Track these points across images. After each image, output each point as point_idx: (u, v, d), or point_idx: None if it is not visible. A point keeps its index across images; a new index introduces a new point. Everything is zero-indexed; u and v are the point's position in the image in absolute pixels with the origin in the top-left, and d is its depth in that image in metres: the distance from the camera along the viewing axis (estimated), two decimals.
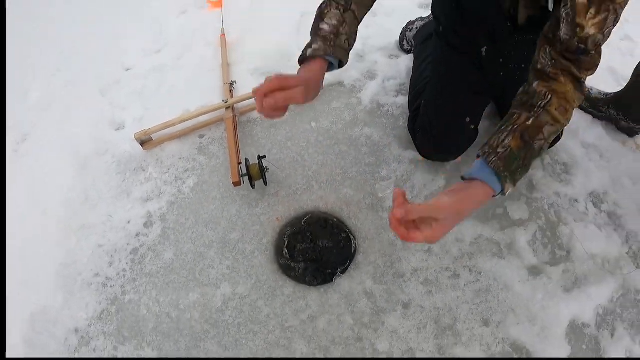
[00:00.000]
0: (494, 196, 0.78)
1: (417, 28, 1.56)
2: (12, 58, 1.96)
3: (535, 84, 0.85)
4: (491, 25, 1.09)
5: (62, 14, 2.17)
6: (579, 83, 0.85)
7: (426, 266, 1.16)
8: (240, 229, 1.25)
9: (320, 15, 0.93)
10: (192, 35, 1.82)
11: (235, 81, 1.51)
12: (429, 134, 1.22)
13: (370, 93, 1.50)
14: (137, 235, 1.27)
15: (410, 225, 0.69)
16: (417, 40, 1.50)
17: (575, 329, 1.14)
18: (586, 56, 0.82)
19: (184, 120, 1.38)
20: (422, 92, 1.25)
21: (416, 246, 1.18)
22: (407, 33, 1.58)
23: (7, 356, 1.20)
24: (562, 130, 0.89)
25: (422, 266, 1.17)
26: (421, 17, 1.59)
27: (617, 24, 0.80)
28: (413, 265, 1.16)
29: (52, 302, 1.22)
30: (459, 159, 1.31)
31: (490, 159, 0.76)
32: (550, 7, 0.91)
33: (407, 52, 1.61)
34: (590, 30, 0.78)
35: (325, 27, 0.91)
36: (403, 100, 1.47)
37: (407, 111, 1.40)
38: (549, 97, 0.82)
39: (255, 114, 1.44)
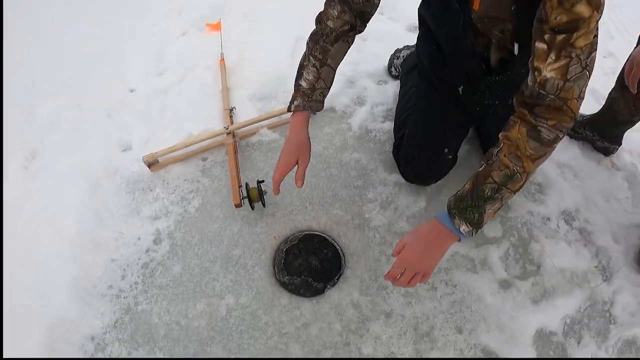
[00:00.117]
0: (460, 238, 1.01)
1: (403, 56, 1.79)
2: (18, 77, 2.17)
3: (499, 134, 1.00)
4: (467, 67, 1.30)
5: (65, 33, 2.38)
6: (535, 130, 0.93)
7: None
8: (242, 246, 1.47)
9: (301, 68, 1.21)
10: (192, 58, 2.04)
11: (234, 107, 1.74)
12: (412, 164, 1.46)
13: (359, 119, 1.74)
14: (147, 250, 1.49)
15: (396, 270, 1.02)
16: (403, 68, 1.73)
17: (542, 337, 1.36)
18: (545, 101, 0.91)
19: (188, 145, 1.60)
20: (406, 122, 1.48)
21: None
22: (395, 60, 1.82)
23: (5, 356, 1.38)
24: (525, 175, 0.97)
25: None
26: (407, 46, 1.82)
27: (589, 73, 0.89)
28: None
29: (69, 312, 1.40)
30: (440, 181, 1.55)
31: (449, 199, 1.00)
32: (516, 51, 1.13)
33: (395, 77, 1.84)
34: (549, 74, 0.89)
35: (303, 83, 1.19)
36: (389, 125, 1.70)
37: (393, 137, 1.62)
38: (501, 144, 0.97)
39: (254, 139, 1.68)
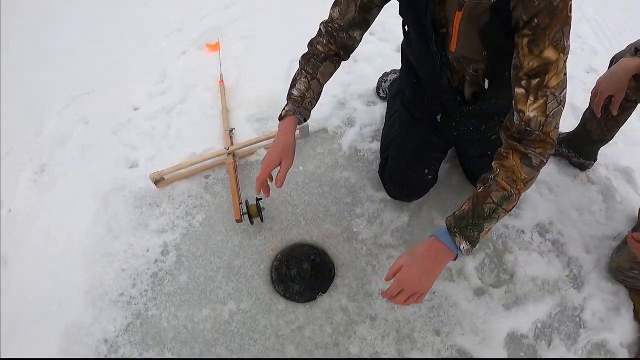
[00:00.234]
0: (457, 255, 1.13)
1: (390, 80, 2.05)
2: (24, 93, 2.42)
3: (492, 163, 1.18)
4: (444, 99, 1.55)
5: (68, 50, 2.63)
6: (526, 158, 1.13)
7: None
8: (242, 257, 1.71)
9: (293, 82, 1.43)
10: (193, 77, 2.30)
11: (234, 128, 1.99)
12: (395, 183, 1.71)
13: (349, 139, 2.00)
14: (156, 261, 1.72)
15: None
16: (390, 92, 1.98)
17: (514, 339, 1.59)
18: (531, 136, 1.12)
19: (191, 164, 1.85)
20: (390, 146, 1.74)
21: (382, 270, 1.66)
22: (383, 84, 2.09)
23: (3, 356, 1.60)
24: (518, 196, 1.15)
25: (387, 287, 1.63)
26: (394, 70, 2.08)
27: (563, 107, 1.11)
28: (380, 287, 1.64)
29: (83, 317, 1.64)
30: (421, 198, 1.80)
31: (447, 220, 1.15)
32: (486, 86, 1.39)
33: (383, 99, 2.10)
34: (531, 113, 1.09)
35: (295, 92, 1.41)
36: (376, 145, 1.95)
37: (379, 156, 1.87)
38: (498, 170, 1.14)
39: (253, 158, 1.94)
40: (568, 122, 2.03)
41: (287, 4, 2.71)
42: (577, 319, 1.65)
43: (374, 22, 1.42)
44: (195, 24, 2.62)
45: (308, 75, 1.41)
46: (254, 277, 1.68)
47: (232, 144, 1.92)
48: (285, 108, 1.41)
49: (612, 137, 1.83)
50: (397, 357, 1.54)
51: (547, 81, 1.06)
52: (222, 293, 1.65)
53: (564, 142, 1.99)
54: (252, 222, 1.73)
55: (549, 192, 1.95)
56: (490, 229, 1.16)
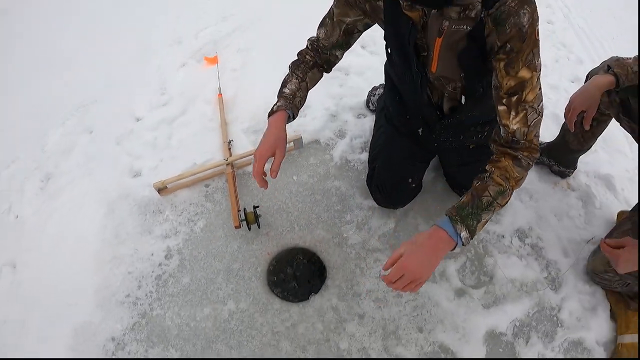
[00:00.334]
0: (457, 244, 1.23)
1: (379, 94, 2.27)
2: (27, 103, 2.62)
3: (486, 166, 1.35)
4: (424, 114, 1.76)
5: (70, 60, 2.84)
6: (517, 160, 1.31)
7: (377, 288, 1.84)
8: (241, 260, 1.91)
9: (284, 83, 1.61)
10: (193, 90, 2.50)
11: (232, 140, 2.20)
12: (382, 192, 1.92)
13: (340, 150, 2.22)
14: (160, 264, 1.92)
15: (394, 274, 1.21)
16: (378, 105, 2.19)
17: (493, 337, 1.79)
18: (518, 145, 1.32)
19: (193, 174, 2.05)
20: (377, 158, 1.94)
21: (370, 273, 1.87)
22: (372, 97, 2.31)
23: (12, 355, 1.75)
24: (511, 192, 1.32)
25: (374, 288, 1.84)
26: (382, 84, 2.30)
27: (542, 116, 1.31)
28: (367, 288, 1.84)
29: (91, 317, 1.81)
30: (406, 206, 2.01)
31: (447, 210, 1.27)
32: (463, 102, 1.59)
33: (372, 111, 2.32)
34: (515, 126, 1.29)
35: (287, 90, 1.58)
36: (366, 156, 2.16)
37: (368, 166, 2.08)
38: (493, 169, 1.31)
39: (250, 169, 2.13)
40: (551, 131, 2.23)
41: (282, 17, 2.93)
42: (555, 318, 1.83)
43: (366, 37, 1.64)
44: (194, 36, 2.83)
45: (298, 78, 1.60)
46: (252, 279, 1.87)
47: (230, 155, 2.12)
48: (277, 104, 1.55)
49: (590, 147, 2.02)
50: (383, 351, 1.73)
51: (525, 97, 1.26)
52: (222, 294, 1.84)
53: (544, 152, 2.19)
54: (249, 228, 1.93)
55: (530, 198, 2.15)
56: (486, 222, 1.29)
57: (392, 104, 1.89)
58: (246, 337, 1.75)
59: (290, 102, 1.55)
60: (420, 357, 1.74)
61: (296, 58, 1.67)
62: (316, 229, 2.01)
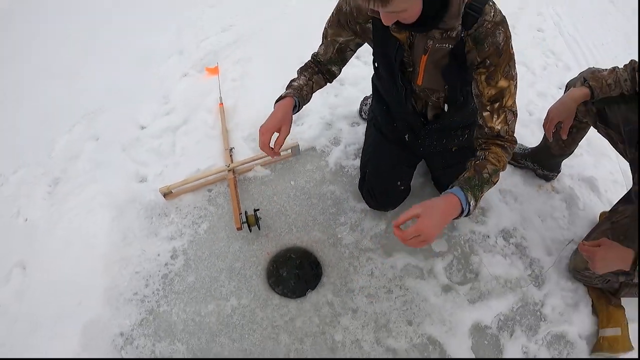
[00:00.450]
0: (460, 214, 1.36)
1: (369, 103, 2.47)
2: (33, 111, 2.83)
3: (477, 153, 1.56)
4: (410, 121, 1.95)
5: (76, 69, 3.04)
6: (503, 147, 1.54)
7: (369, 285, 2.03)
8: (242, 260, 2.10)
9: (291, 81, 1.82)
10: (195, 100, 2.70)
11: (233, 147, 2.40)
12: (372, 196, 2.12)
13: (334, 157, 2.43)
14: (166, 264, 2.10)
15: (407, 233, 1.29)
16: (369, 114, 2.40)
17: (478, 329, 1.96)
18: (502, 138, 1.54)
19: (197, 179, 2.25)
20: (367, 164, 2.14)
21: (363, 270, 2.06)
22: (364, 107, 2.52)
23: (22, 351, 1.87)
24: (501, 171, 1.52)
25: (367, 285, 2.03)
26: None
27: (516, 114, 1.54)
28: (360, 284, 2.03)
29: (101, 315, 1.96)
30: (396, 208, 2.21)
31: (457, 181, 1.42)
32: (445, 109, 1.77)
33: (365, 120, 2.52)
34: (498, 126, 1.52)
35: (295, 83, 1.79)
36: (359, 162, 2.35)
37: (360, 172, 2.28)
38: (487, 153, 1.52)
39: (250, 175, 2.35)
40: (537, 137, 2.43)
41: (280, 28, 3.15)
42: (538, 313, 2.00)
43: (361, 48, 1.84)
44: (195, 47, 3.04)
45: (306, 77, 1.82)
46: (253, 277, 2.06)
47: (232, 161, 2.33)
48: (287, 91, 1.75)
49: (572, 151, 2.19)
50: (374, 342, 1.91)
51: (505, 103, 1.51)
52: (225, 291, 2.03)
53: (528, 157, 2.38)
54: (250, 230, 2.13)
55: (514, 201, 2.34)
56: (482, 196, 1.45)
57: (379, 114, 2.10)
58: (248, 330, 1.94)
59: (298, 92, 1.75)
60: (411, 348, 1.91)
61: (302, 65, 1.89)
62: (312, 230, 2.21)
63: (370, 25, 1.61)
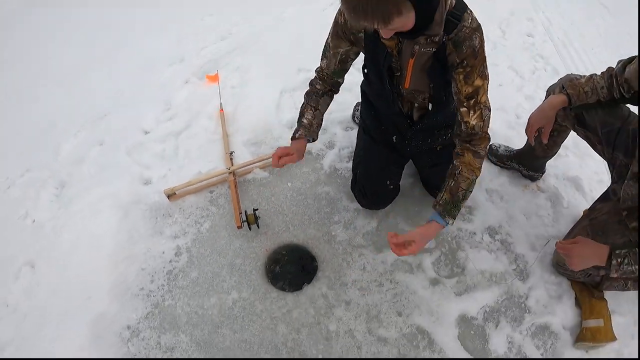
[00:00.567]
0: (445, 227, 1.76)
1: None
2: (39, 116, 3.00)
3: (454, 161, 1.82)
4: (397, 123, 2.14)
5: (79, 75, 3.22)
6: (476, 153, 1.77)
7: (361, 278, 2.21)
8: (242, 256, 2.28)
9: (302, 113, 2.06)
10: (196, 106, 2.89)
11: (233, 151, 2.59)
12: (364, 196, 2.31)
13: (329, 160, 2.62)
14: (170, 261, 2.27)
15: (400, 246, 1.68)
16: (359, 120, 2.59)
17: (464, 320, 2.11)
18: (476, 136, 1.76)
19: (199, 181, 2.44)
20: (358, 165, 2.33)
21: (355, 265, 2.24)
22: (356, 112, 2.72)
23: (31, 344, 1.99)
24: (478, 177, 1.81)
25: (359, 278, 2.21)
26: None
27: (490, 110, 1.76)
28: (353, 278, 2.21)
29: (108, 309, 2.10)
30: (387, 207, 2.41)
31: (437, 208, 1.78)
32: (430, 109, 1.96)
33: (357, 124, 2.71)
34: (474, 122, 1.74)
35: (305, 121, 2.03)
36: (351, 165, 2.53)
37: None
38: (460, 167, 1.78)
39: (250, 177, 2.54)
40: (524, 139, 2.57)
41: (277, 37, 3.34)
42: (523, 305, 2.15)
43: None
44: (195, 55, 3.24)
45: (312, 108, 2.06)
46: (252, 272, 2.24)
47: (232, 164, 2.52)
48: (299, 132, 2.03)
49: (555, 153, 2.36)
50: (367, 332, 2.08)
51: (480, 99, 1.72)
52: (226, 285, 2.20)
53: (514, 159, 2.55)
54: (250, 229, 2.32)
55: (500, 200, 2.51)
56: (464, 204, 1.81)
57: (368, 118, 2.30)
58: (248, 322, 2.10)
59: (308, 130, 2.04)
60: (401, 337, 2.07)
61: (309, 88, 2.11)
62: (308, 229, 2.39)
63: (362, 35, 1.80)
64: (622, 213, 1.84)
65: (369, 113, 2.27)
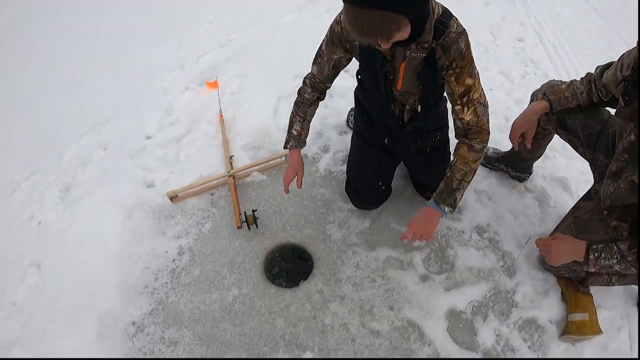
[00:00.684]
0: (444, 215, 1.89)
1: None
2: (43, 122, 3.15)
3: (452, 154, 1.94)
4: (389, 125, 2.28)
5: (82, 81, 3.36)
6: (471, 146, 1.87)
7: (355, 275, 2.36)
8: (242, 255, 2.43)
9: (291, 123, 2.21)
10: (196, 112, 3.04)
11: (233, 155, 2.76)
12: (357, 196, 2.47)
13: (324, 163, 2.78)
14: (173, 260, 2.41)
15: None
16: (354, 124, 2.76)
17: (453, 314, 2.23)
18: (471, 130, 1.86)
19: (200, 184, 2.60)
20: (352, 167, 2.49)
21: (349, 263, 2.39)
22: (350, 117, 2.88)
23: (38, 340, 2.10)
24: (473, 171, 1.90)
25: (353, 275, 2.36)
26: None
27: (488, 107, 1.87)
28: (347, 275, 2.36)
29: (114, 306, 2.24)
30: (379, 208, 2.56)
31: (432, 196, 1.91)
32: (419, 110, 2.11)
33: (351, 129, 2.87)
34: (468, 118, 1.84)
35: (294, 132, 2.19)
36: (346, 167, 2.69)
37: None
38: (455, 159, 1.90)
39: (249, 180, 2.70)
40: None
41: (275, 45, 3.50)
42: (510, 300, 2.26)
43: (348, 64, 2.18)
44: (195, 62, 3.40)
45: (301, 119, 2.22)
46: (252, 270, 2.39)
47: (232, 168, 2.69)
48: (290, 142, 2.22)
49: (541, 155, 2.49)
50: (360, 325, 2.22)
51: (472, 96, 1.84)
52: (227, 282, 2.34)
53: (502, 160, 2.69)
54: (249, 229, 2.48)
55: (489, 200, 2.65)
56: (462, 195, 1.92)
57: (361, 122, 2.45)
58: (247, 316, 2.24)
59: (298, 140, 2.23)
60: (392, 330, 2.20)
61: (297, 97, 2.25)
62: (305, 228, 2.55)
63: (357, 43, 1.95)
64: (603, 212, 1.94)
65: (362, 117, 2.42)
